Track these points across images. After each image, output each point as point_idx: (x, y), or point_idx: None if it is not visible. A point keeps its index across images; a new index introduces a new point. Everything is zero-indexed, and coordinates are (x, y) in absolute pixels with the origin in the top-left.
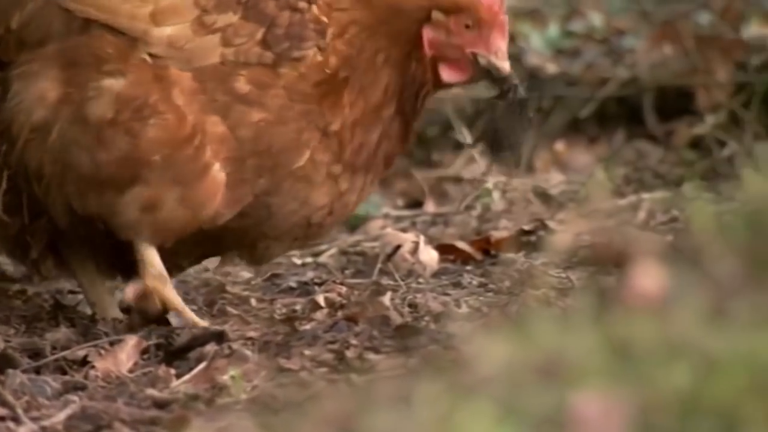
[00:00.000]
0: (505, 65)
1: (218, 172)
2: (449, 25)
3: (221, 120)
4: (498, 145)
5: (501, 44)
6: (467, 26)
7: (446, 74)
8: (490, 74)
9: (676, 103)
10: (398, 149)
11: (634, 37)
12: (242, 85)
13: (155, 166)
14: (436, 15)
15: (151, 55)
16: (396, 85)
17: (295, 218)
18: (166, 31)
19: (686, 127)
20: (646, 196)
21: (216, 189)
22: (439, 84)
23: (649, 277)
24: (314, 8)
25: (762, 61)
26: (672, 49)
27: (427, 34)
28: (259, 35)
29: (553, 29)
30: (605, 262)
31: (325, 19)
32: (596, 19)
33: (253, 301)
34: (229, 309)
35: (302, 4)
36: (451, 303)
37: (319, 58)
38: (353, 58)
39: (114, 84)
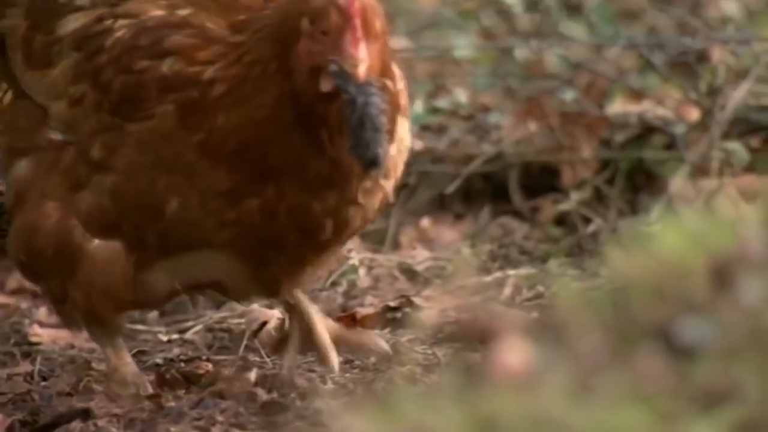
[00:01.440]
0: (357, 71)
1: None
2: (312, 32)
3: (89, 193)
4: (359, 155)
5: (352, 50)
6: (323, 32)
7: (323, 83)
8: (342, 83)
9: (542, 179)
10: (311, 157)
11: (499, 114)
12: (96, 152)
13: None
14: (304, 23)
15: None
16: (284, 97)
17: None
18: (57, 105)
19: (551, 204)
20: (511, 272)
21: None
22: (319, 94)
23: (514, 354)
24: (165, 63)
25: (626, 138)
26: (537, 126)
27: (302, 43)
28: (105, 102)
29: (419, 105)
30: (471, 339)
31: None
32: (461, 95)
33: None
34: (95, 386)
35: (143, 64)
36: (317, 379)
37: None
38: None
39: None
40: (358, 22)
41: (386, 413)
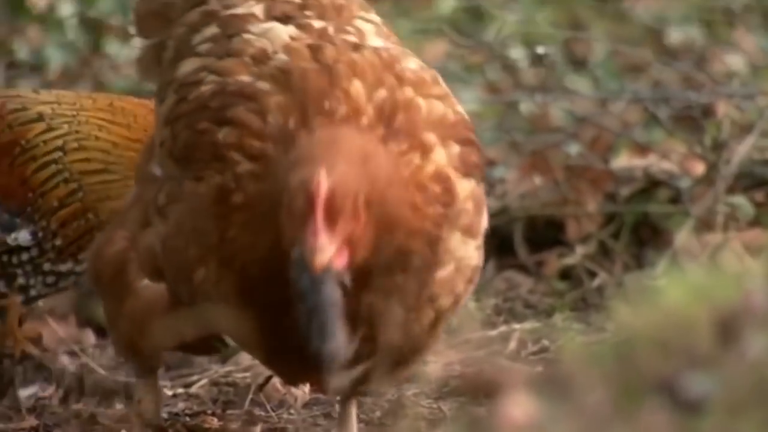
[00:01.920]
0: (314, 261)
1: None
2: (287, 211)
3: (150, 233)
4: (310, 349)
5: (311, 237)
6: (293, 214)
7: (289, 268)
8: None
9: (547, 233)
10: None
11: (504, 168)
12: (161, 197)
13: None
14: (284, 198)
15: None
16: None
17: None
18: (156, 141)
19: (556, 257)
20: (516, 326)
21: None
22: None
23: (519, 408)
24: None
25: (631, 192)
26: (542, 180)
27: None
28: (174, 152)
29: None
30: (476, 393)
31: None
32: None
33: None
34: None
35: (204, 126)
36: None
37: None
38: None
39: None
40: (321, 207)
41: None
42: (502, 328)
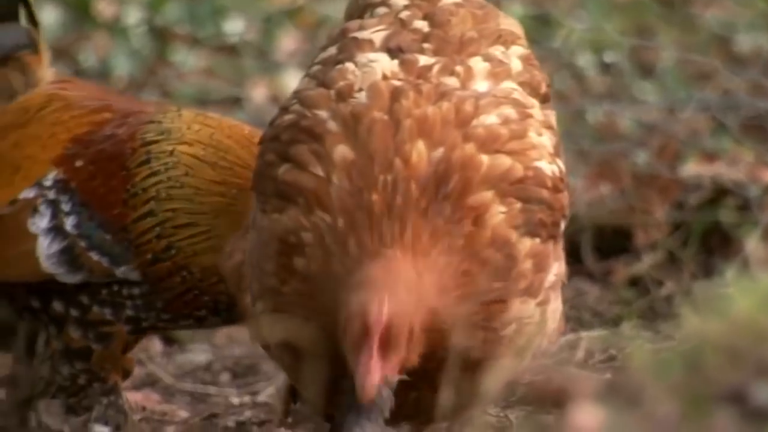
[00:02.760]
0: (366, 389)
1: None
2: (345, 333)
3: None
4: None
5: (363, 367)
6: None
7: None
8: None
9: (614, 241)
10: None
11: (572, 176)
12: (253, 214)
13: None
14: (341, 318)
15: None
16: None
17: None
18: None
19: (624, 266)
20: (584, 334)
21: None
22: None
23: (587, 416)
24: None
25: (699, 201)
26: (609, 188)
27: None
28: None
29: None
30: (543, 401)
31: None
32: None
33: None
34: None
35: (271, 158)
36: None
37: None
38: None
39: None
40: (377, 337)
41: None
42: (570, 336)
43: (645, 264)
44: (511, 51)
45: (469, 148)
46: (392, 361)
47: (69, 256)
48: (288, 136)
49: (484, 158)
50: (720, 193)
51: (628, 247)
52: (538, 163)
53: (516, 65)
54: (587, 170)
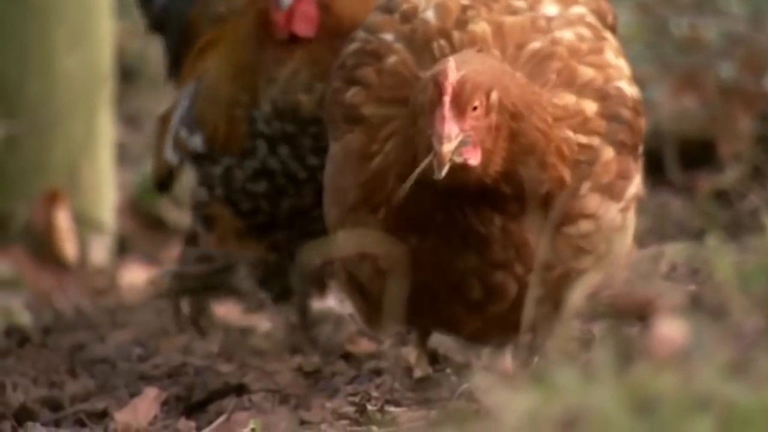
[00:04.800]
0: (439, 149)
1: None
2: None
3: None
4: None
5: (437, 126)
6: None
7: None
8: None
9: (698, 153)
10: (453, 219)
11: (656, 88)
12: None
13: None
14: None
15: None
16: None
17: None
18: None
19: (708, 178)
20: (667, 246)
21: None
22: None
23: (671, 329)
24: None
25: None
26: (693, 100)
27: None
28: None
29: None
30: (627, 314)
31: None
32: None
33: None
34: (250, 361)
35: (337, 85)
36: (472, 355)
37: None
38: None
39: None
40: (449, 94)
41: (542, 389)
42: (653, 249)
43: (729, 176)
44: None
45: (562, 50)
46: (468, 125)
47: (174, 140)
48: (353, 61)
49: (574, 64)
50: None
51: (711, 159)
52: (619, 83)
53: None
54: (671, 82)
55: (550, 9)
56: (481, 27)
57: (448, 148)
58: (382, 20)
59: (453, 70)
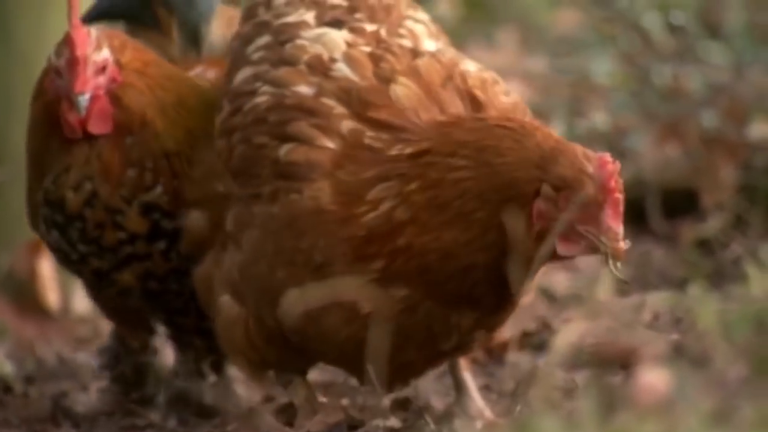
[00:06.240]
0: (617, 246)
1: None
2: (558, 200)
3: (227, 257)
4: None
5: (612, 223)
6: (575, 202)
7: (560, 248)
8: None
9: (681, 202)
10: (485, 292)
11: (638, 137)
12: (229, 224)
13: None
14: (546, 189)
15: None
16: (484, 242)
17: None
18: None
19: (690, 227)
20: (650, 295)
21: None
22: (554, 256)
23: (654, 378)
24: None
25: (766, 162)
26: (676, 149)
27: (538, 206)
28: (229, 164)
29: (558, 129)
30: (610, 363)
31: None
32: (599, 119)
33: None
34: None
35: (263, 140)
36: (454, 404)
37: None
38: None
39: None
40: (618, 197)
41: None
42: (636, 298)
43: (712, 226)
44: (419, 15)
45: (475, 89)
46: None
47: None
48: (277, 117)
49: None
50: None
51: (694, 208)
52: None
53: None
54: (654, 131)
55: (429, 45)
56: (403, 82)
57: (623, 246)
58: (288, 73)
59: (615, 166)
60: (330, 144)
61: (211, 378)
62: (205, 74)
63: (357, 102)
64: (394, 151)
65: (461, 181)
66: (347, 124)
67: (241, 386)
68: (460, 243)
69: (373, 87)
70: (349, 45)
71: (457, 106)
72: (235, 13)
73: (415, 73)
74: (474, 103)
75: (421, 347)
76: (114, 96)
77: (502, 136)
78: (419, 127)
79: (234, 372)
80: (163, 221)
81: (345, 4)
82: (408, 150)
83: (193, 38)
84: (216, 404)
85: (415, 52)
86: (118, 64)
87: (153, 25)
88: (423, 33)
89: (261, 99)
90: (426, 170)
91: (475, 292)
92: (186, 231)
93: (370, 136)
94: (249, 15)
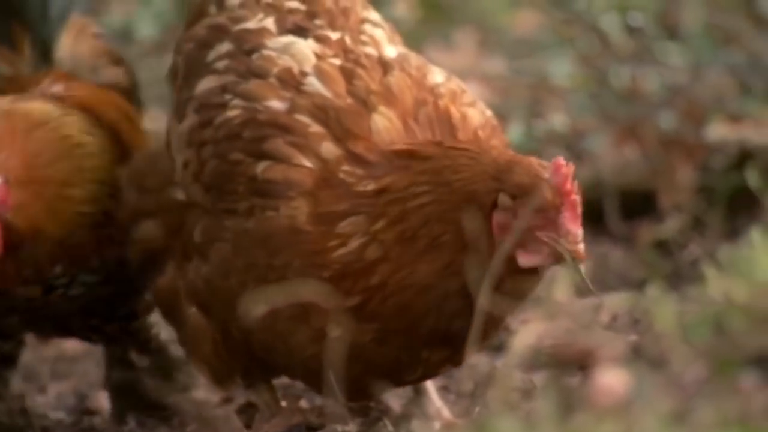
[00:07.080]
0: (577, 249)
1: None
2: (516, 208)
3: (191, 268)
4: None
5: (570, 226)
6: (533, 209)
7: (522, 259)
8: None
9: (638, 204)
10: (454, 320)
11: (596, 139)
12: (197, 235)
13: None
14: (503, 199)
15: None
16: (456, 265)
17: None
18: (178, 161)
19: (648, 229)
20: (608, 297)
21: None
22: (515, 269)
23: (612, 379)
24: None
25: (724, 163)
26: (634, 151)
27: (497, 218)
28: (201, 178)
29: (516, 130)
30: (568, 364)
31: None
32: (558, 120)
33: None
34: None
35: (238, 157)
36: (412, 405)
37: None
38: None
39: None
40: (576, 199)
41: None
42: (594, 299)
43: (669, 227)
44: (373, 16)
45: (445, 104)
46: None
47: None
48: (252, 134)
49: (456, 114)
50: (745, 155)
51: (652, 209)
52: (488, 112)
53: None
54: (612, 133)
55: (390, 51)
56: (383, 112)
57: (582, 248)
58: (258, 86)
59: (568, 168)
60: (307, 163)
61: (143, 363)
62: (50, 88)
63: (336, 125)
64: (360, 187)
65: (423, 207)
66: (327, 147)
67: (201, 388)
68: (434, 271)
69: (353, 111)
70: (319, 57)
71: (431, 136)
72: (86, 24)
73: (389, 96)
74: (448, 126)
75: (386, 375)
76: (5, 222)
77: (457, 155)
78: (386, 161)
79: (195, 374)
80: (60, 280)
81: (303, 8)
82: (370, 186)
83: (45, 53)
84: (175, 405)
85: (384, 64)
86: (7, 182)
87: (5, 41)
88: (383, 38)
89: (233, 113)
90: (387, 208)
91: (452, 327)
92: (136, 241)
93: (344, 170)
94: (198, 13)
